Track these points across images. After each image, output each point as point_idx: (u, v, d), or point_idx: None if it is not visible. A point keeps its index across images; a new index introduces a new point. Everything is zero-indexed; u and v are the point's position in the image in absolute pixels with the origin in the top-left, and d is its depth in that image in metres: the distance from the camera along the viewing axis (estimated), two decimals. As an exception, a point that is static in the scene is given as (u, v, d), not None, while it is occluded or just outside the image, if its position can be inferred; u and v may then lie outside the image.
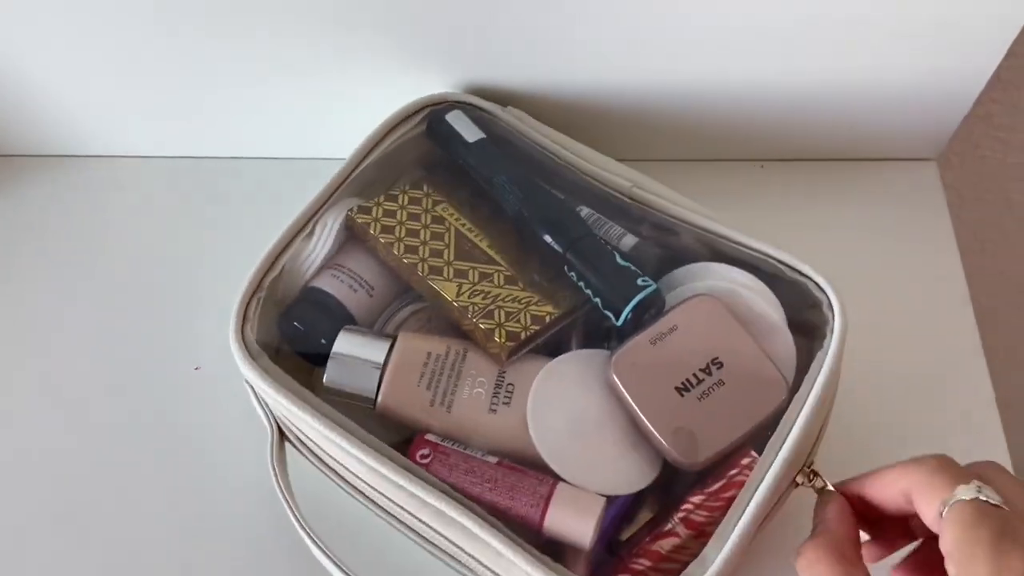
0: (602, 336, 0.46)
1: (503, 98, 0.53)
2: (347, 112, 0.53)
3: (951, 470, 0.32)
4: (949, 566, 0.30)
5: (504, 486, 0.39)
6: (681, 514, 0.41)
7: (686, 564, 0.41)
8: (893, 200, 0.59)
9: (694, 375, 0.42)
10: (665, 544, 0.41)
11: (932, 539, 0.32)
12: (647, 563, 0.41)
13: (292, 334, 0.45)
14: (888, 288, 0.54)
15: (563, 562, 0.38)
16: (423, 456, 0.40)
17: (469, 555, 0.39)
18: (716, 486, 0.41)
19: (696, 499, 0.41)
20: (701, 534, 0.41)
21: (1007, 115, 0.65)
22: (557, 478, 0.40)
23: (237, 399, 0.45)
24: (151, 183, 0.61)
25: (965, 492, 0.30)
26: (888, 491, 0.34)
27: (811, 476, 0.40)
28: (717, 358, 0.42)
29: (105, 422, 0.51)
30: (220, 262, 0.50)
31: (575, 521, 0.39)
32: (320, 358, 0.45)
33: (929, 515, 0.32)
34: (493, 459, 0.40)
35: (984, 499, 0.30)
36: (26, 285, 0.57)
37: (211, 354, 0.52)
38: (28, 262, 0.58)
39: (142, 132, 0.60)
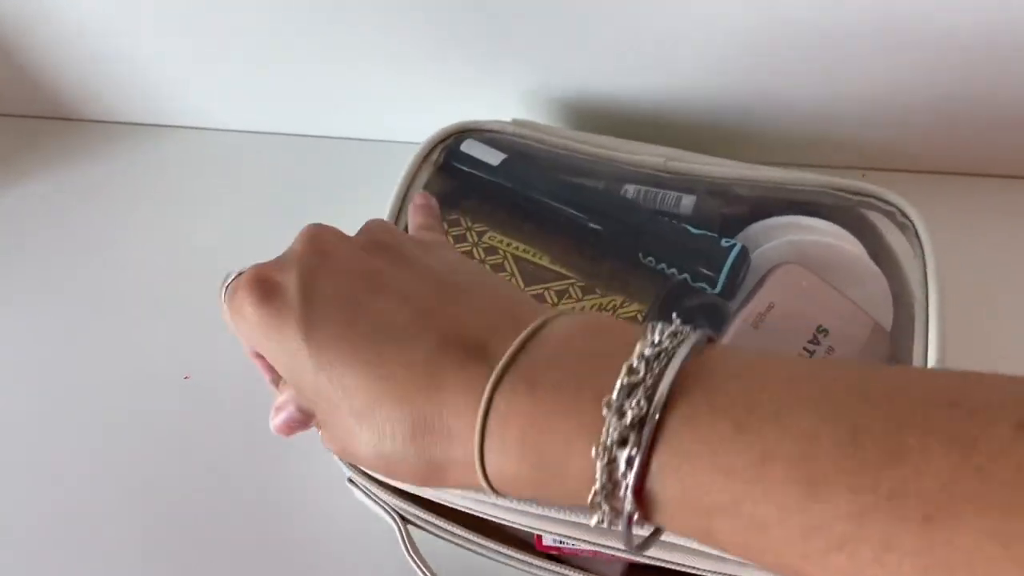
0: (686, 313, 0.45)
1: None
2: (421, 102, 0.59)
3: None
4: None
5: None
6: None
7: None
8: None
9: (804, 348, 0.40)
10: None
11: None
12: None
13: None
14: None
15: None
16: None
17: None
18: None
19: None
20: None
21: None
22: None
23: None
24: (238, 156, 0.65)
25: None
26: None
27: None
28: (821, 325, 0.41)
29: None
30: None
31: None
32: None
33: None
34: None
35: None
36: (119, 247, 0.60)
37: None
38: (124, 224, 0.61)
39: (234, 106, 0.65)
